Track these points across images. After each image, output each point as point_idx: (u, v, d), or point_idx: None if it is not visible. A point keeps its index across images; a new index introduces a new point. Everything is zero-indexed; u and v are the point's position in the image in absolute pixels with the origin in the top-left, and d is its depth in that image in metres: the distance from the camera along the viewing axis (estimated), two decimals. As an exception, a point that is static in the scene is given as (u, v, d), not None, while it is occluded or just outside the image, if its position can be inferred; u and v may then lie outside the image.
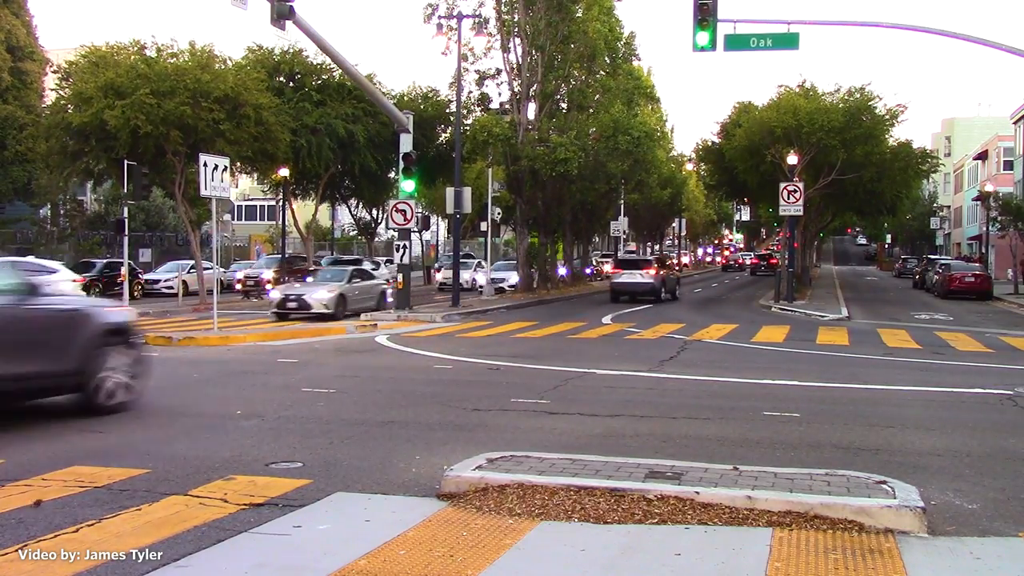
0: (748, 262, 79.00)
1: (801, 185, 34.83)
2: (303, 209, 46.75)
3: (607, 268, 52.70)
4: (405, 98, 40.25)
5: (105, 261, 37.04)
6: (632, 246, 74.71)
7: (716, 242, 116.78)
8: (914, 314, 30.91)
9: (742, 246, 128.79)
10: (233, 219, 68.05)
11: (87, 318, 10.31)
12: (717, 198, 76.55)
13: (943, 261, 49.55)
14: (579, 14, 39.00)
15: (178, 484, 6.99)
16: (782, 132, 38.97)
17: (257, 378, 13.57)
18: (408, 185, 27.56)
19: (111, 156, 30.45)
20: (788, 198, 33.83)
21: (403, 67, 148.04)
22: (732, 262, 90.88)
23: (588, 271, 55.06)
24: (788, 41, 21.28)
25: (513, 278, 41.33)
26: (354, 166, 38.58)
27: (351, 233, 66.94)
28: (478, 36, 37.04)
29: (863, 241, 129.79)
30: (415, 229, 33.13)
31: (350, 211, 51.73)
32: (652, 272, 36.70)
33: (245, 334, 20.06)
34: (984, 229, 54.95)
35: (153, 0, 66.36)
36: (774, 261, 36.13)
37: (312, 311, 25.17)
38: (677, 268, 58.61)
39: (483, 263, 44.52)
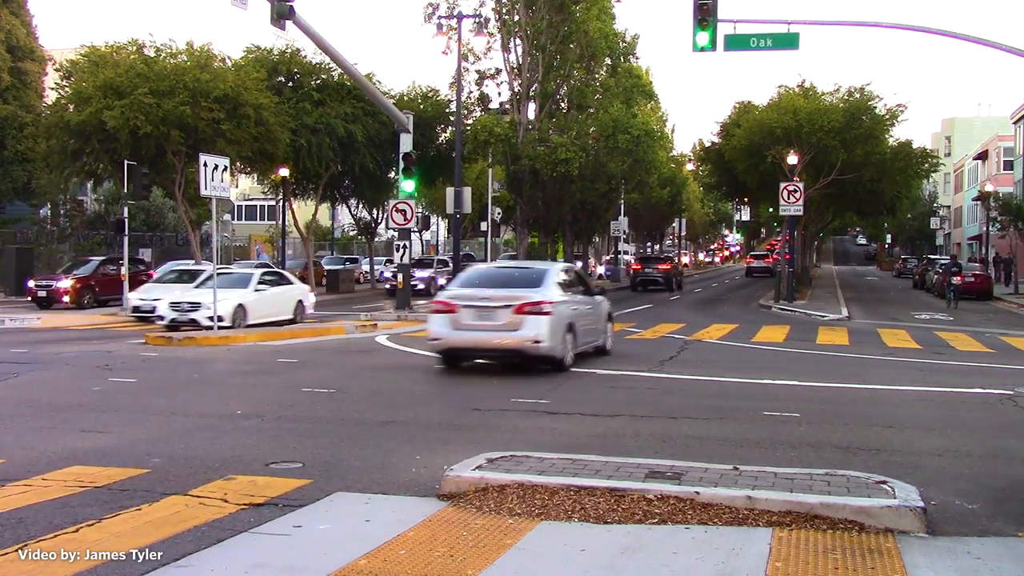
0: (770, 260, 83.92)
1: (801, 185, 34.85)
2: (303, 209, 46.78)
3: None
4: (405, 98, 40.24)
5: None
6: (631, 247, 74.83)
7: (706, 248, 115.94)
8: (914, 314, 30.92)
9: (739, 248, 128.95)
10: (233, 219, 68.10)
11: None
12: (716, 198, 76.57)
13: (943, 261, 49.59)
14: (579, 14, 39.03)
15: (178, 484, 6.98)
16: (782, 132, 38.96)
17: (257, 378, 13.57)
18: (408, 185, 27.58)
19: (112, 156, 30.47)
20: (788, 198, 33.85)
21: (403, 67, 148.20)
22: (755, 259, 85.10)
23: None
24: (788, 41, 21.28)
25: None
26: (354, 166, 38.58)
27: (351, 233, 66.98)
28: (478, 36, 37.11)
29: (863, 241, 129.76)
30: (415, 229, 33.18)
31: (350, 211, 51.73)
32: (769, 260, 64.53)
33: (245, 334, 20.05)
34: (984, 229, 54.95)
35: (153, 0, 66.39)
36: (788, 256, 37.13)
37: None
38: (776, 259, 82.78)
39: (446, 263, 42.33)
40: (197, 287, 23.44)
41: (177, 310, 21.83)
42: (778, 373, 14.40)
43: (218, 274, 24.06)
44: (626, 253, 62.66)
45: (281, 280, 24.68)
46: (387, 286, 40.54)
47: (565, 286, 15.21)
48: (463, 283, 15.31)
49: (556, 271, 15.57)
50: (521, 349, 13.90)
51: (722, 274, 77.38)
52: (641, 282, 45.45)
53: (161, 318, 22.12)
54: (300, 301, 24.22)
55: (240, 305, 21.85)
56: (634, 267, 48.73)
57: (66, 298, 29.54)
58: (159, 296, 23.65)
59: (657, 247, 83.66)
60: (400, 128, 27.70)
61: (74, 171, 33.08)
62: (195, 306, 21.75)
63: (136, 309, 25.04)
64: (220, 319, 21.21)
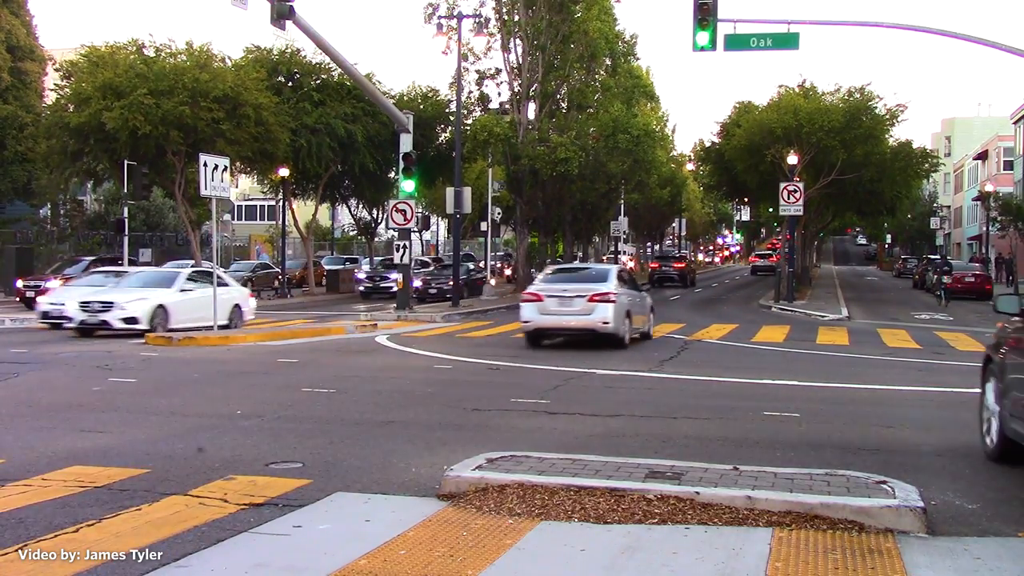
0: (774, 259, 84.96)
1: (801, 185, 34.85)
2: (303, 209, 46.78)
3: None
4: (405, 98, 40.27)
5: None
6: (629, 247, 74.82)
7: (706, 248, 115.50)
8: (914, 314, 30.91)
9: (739, 248, 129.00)
10: (233, 219, 68.12)
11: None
12: (716, 198, 76.56)
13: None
14: (579, 14, 39.04)
15: (178, 484, 6.98)
16: (782, 132, 38.97)
17: (257, 378, 13.57)
18: (408, 185, 27.59)
19: (111, 156, 30.49)
20: (788, 198, 33.86)
21: (403, 67, 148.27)
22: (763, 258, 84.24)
23: None
24: (788, 41, 21.29)
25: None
26: (354, 166, 38.61)
27: (351, 233, 66.98)
28: (478, 36, 37.13)
29: (863, 241, 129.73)
30: (415, 229, 33.17)
31: (350, 211, 51.75)
32: (773, 260, 59.65)
33: (245, 334, 20.05)
34: (984, 229, 54.98)
35: (153, 0, 66.39)
36: (788, 256, 37.56)
37: None
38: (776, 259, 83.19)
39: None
40: (116, 286, 21.24)
41: (87, 311, 19.87)
42: (778, 373, 14.40)
43: (141, 272, 22.56)
44: (623, 253, 62.61)
45: (215, 281, 21.46)
46: (360, 288, 38.47)
47: (621, 282, 18.93)
48: (545, 280, 19.53)
49: (615, 271, 19.84)
50: (593, 328, 17.92)
51: (722, 274, 77.37)
52: (659, 279, 49.06)
53: (69, 319, 20.12)
54: (237, 305, 21.99)
55: (160, 306, 19.92)
56: (652, 265, 53.72)
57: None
58: (70, 298, 20.97)
59: (657, 247, 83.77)
60: (400, 128, 27.71)
61: (74, 171, 33.10)
62: (107, 306, 19.78)
63: (45, 316, 21.54)
64: (135, 321, 19.62)
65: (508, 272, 49.35)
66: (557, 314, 18.10)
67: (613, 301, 17.81)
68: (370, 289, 37.52)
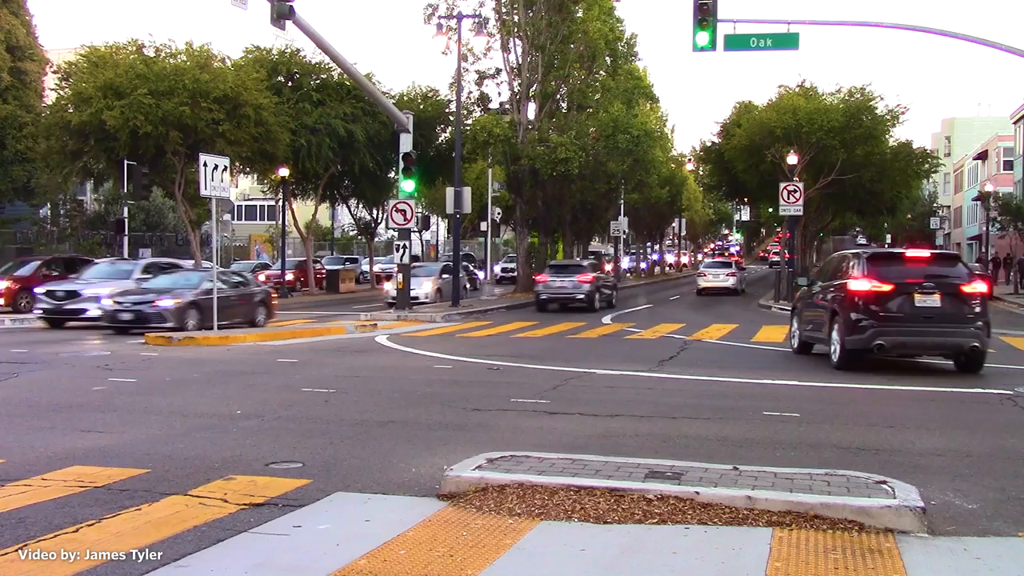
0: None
1: (801, 185, 34.86)
2: (303, 209, 46.79)
3: None
4: (404, 98, 40.27)
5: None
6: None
7: (707, 249, 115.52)
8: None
9: (739, 248, 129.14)
10: (233, 219, 68.10)
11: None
12: (716, 198, 76.73)
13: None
14: (579, 14, 39.04)
15: (178, 484, 6.98)
16: (782, 132, 38.98)
17: (257, 378, 13.56)
18: (408, 185, 27.60)
19: (111, 156, 30.47)
20: (788, 198, 33.87)
21: (403, 67, 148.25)
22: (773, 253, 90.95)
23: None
24: (788, 41, 21.30)
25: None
26: (354, 166, 38.61)
27: (351, 233, 66.99)
28: (478, 36, 37.16)
29: (863, 241, 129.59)
30: (415, 229, 33.17)
31: (350, 211, 51.74)
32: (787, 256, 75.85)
33: (245, 334, 20.06)
34: (984, 229, 54.97)
35: (153, 0, 66.37)
36: (788, 256, 38.39)
37: None
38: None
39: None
40: None
41: None
42: (778, 373, 14.40)
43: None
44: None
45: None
46: (38, 310, 23.40)
47: (736, 267, 46.71)
48: (705, 265, 50.24)
49: (735, 262, 50.51)
50: (728, 287, 43.68)
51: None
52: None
53: None
54: None
55: None
56: (717, 258, 77.94)
57: (0, 300, 27.23)
58: None
59: (657, 247, 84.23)
60: (400, 128, 27.72)
61: (74, 171, 33.11)
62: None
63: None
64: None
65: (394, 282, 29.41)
66: (712, 281, 42.84)
67: (736, 275, 43.71)
68: (53, 312, 23.12)
